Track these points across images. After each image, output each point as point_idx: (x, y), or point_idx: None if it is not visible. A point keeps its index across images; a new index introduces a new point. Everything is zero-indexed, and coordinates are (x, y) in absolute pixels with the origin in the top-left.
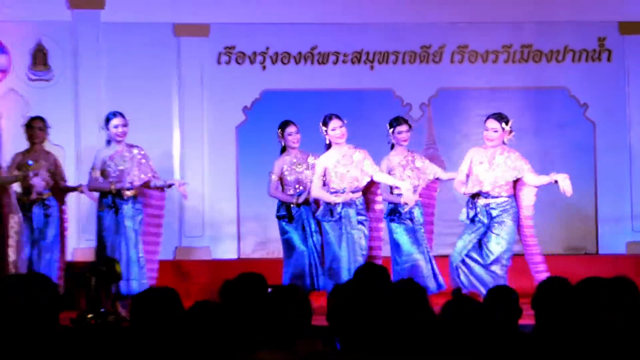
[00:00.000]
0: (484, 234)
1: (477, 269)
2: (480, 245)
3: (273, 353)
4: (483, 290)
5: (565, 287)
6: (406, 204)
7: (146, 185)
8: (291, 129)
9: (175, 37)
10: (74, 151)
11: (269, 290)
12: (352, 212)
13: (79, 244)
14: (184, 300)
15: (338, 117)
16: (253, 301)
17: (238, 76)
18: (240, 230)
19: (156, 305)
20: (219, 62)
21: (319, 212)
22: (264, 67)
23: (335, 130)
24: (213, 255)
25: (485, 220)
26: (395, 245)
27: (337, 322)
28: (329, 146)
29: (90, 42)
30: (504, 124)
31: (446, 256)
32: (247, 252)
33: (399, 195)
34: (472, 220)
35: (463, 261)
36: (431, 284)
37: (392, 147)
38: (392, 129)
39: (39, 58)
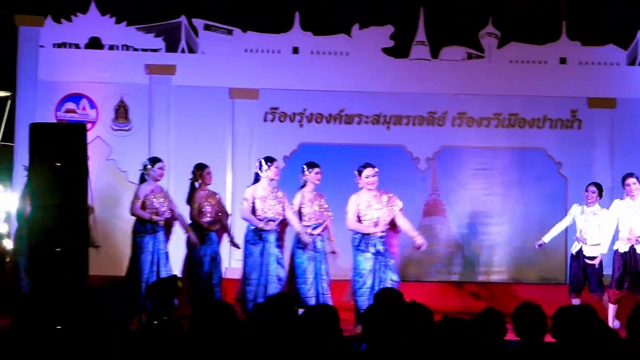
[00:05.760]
0: None
1: None
2: None
3: None
4: None
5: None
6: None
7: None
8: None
9: (231, 99)
10: None
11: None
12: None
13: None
14: None
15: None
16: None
17: (280, 131)
18: None
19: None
20: (265, 120)
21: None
22: (301, 125)
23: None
24: None
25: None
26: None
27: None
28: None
29: (162, 101)
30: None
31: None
32: None
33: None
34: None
35: None
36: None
37: (304, 185)
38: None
39: (121, 113)
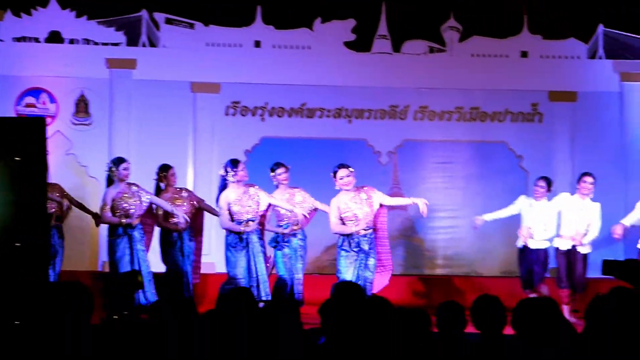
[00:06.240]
0: None
1: None
2: None
3: None
4: None
5: (497, 304)
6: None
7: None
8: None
9: (192, 92)
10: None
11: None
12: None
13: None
14: None
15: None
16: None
17: (242, 125)
18: None
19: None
20: (226, 114)
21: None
22: (263, 119)
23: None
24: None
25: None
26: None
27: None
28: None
29: (123, 95)
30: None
31: None
32: None
33: (279, 226)
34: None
35: None
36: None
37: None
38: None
39: (81, 107)
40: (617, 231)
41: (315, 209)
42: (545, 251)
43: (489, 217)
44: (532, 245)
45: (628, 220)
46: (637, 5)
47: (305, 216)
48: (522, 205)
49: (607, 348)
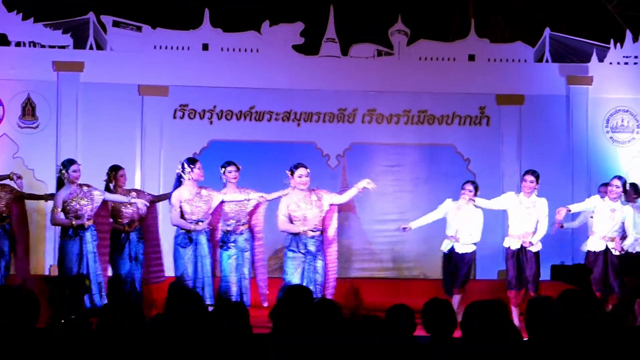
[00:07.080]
0: None
1: None
2: None
3: None
4: None
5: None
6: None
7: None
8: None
9: (140, 95)
10: (54, 186)
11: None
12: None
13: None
14: None
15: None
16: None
17: (190, 128)
18: None
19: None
20: (174, 117)
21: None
22: (211, 122)
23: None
24: None
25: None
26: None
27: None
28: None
29: (70, 98)
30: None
31: None
32: None
33: (227, 225)
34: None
35: None
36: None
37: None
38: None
39: (28, 110)
40: (562, 213)
41: (266, 200)
42: (471, 255)
43: (414, 224)
44: (459, 249)
45: (574, 208)
46: (583, 9)
47: (262, 197)
48: (448, 209)
49: (551, 350)
